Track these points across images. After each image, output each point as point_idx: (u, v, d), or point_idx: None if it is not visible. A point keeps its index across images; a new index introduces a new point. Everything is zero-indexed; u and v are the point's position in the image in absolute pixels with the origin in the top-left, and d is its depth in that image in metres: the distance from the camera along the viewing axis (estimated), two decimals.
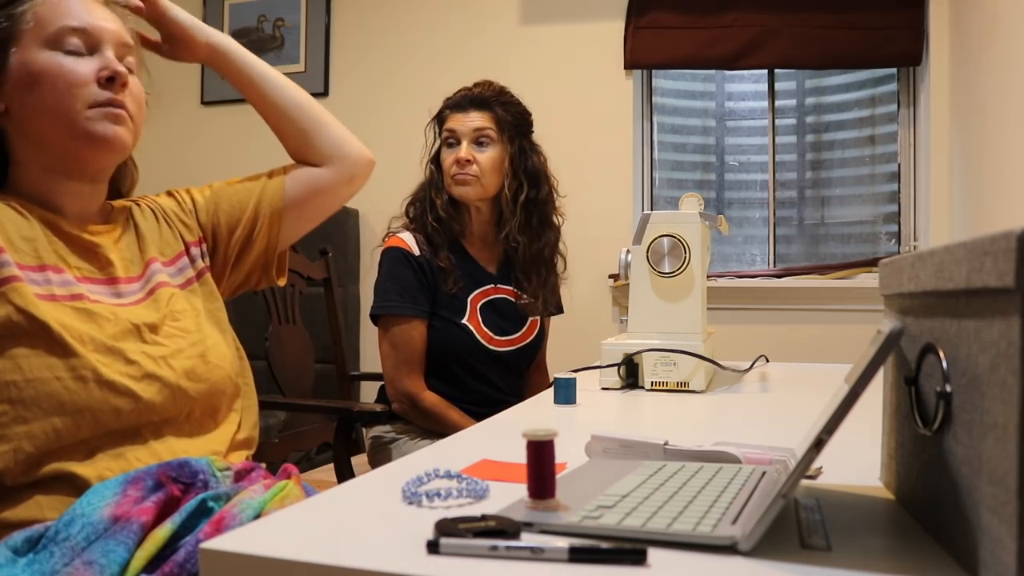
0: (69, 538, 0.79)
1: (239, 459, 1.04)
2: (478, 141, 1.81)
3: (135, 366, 0.94)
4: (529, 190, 1.83)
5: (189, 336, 1.03)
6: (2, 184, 1.02)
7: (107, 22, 1.02)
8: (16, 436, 0.87)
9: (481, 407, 1.77)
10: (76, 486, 0.87)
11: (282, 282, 1.28)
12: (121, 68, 1.00)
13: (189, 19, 1.20)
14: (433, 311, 1.78)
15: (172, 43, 1.19)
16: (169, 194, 1.20)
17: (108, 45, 1.01)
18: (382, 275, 1.79)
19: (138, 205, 1.14)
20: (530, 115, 1.90)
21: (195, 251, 1.15)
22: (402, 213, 1.89)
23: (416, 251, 1.77)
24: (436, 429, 1.73)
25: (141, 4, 1.13)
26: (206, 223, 1.18)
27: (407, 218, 1.87)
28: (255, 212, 1.20)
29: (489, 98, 1.83)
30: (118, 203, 1.13)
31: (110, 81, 0.99)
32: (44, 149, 0.99)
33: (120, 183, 1.17)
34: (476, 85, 1.86)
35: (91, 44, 1.00)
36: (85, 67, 0.98)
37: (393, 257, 1.78)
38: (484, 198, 1.82)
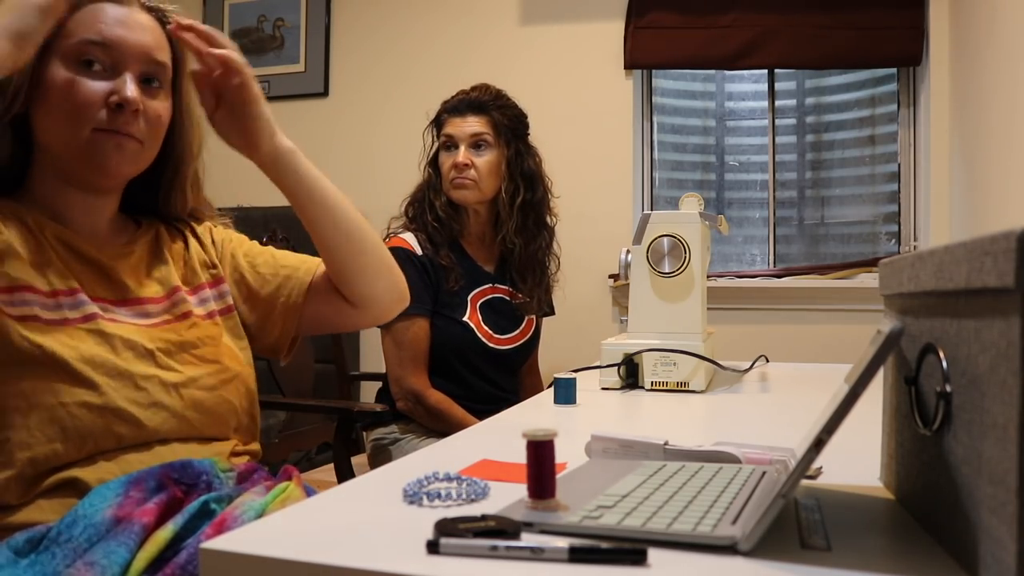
0: (71, 539, 0.79)
1: (241, 461, 1.03)
2: (475, 145, 1.82)
3: (143, 392, 0.93)
4: (525, 192, 1.85)
5: (206, 367, 1.01)
6: (20, 183, 1.01)
7: (136, 35, 0.96)
8: (19, 462, 0.87)
9: (482, 404, 1.78)
10: (78, 489, 0.87)
11: (284, 362, 1.21)
12: (131, 95, 0.94)
13: (266, 115, 1.04)
14: (435, 309, 1.79)
15: (232, 127, 1.04)
16: (200, 227, 1.14)
17: (130, 64, 0.96)
18: None
19: (170, 229, 1.11)
20: (526, 117, 1.91)
21: (223, 287, 1.11)
22: (401, 213, 1.90)
23: (418, 250, 1.79)
24: (440, 427, 1.74)
25: (201, 48, 0.98)
26: (229, 279, 1.13)
27: (407, 218, 1.89)
28: (271, 302, 1.14)
29: (486, 102, 1.84)
30: (147, 223, 1.09)
31: (119, 107, 0.94)
32: (53, 160, 0.98)
33: (167, 206, 1.10)
34: (473, 89, 1.87)
35: (112, 61, 0.95)
36: (98, 88, 0.94)
37: (396, 257, 1.78)
38: (482, 201, 1.84)
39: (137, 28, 0.97)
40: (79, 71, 0.94)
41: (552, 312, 2.04)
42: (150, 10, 1.01)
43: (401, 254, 1.78)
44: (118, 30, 0.95)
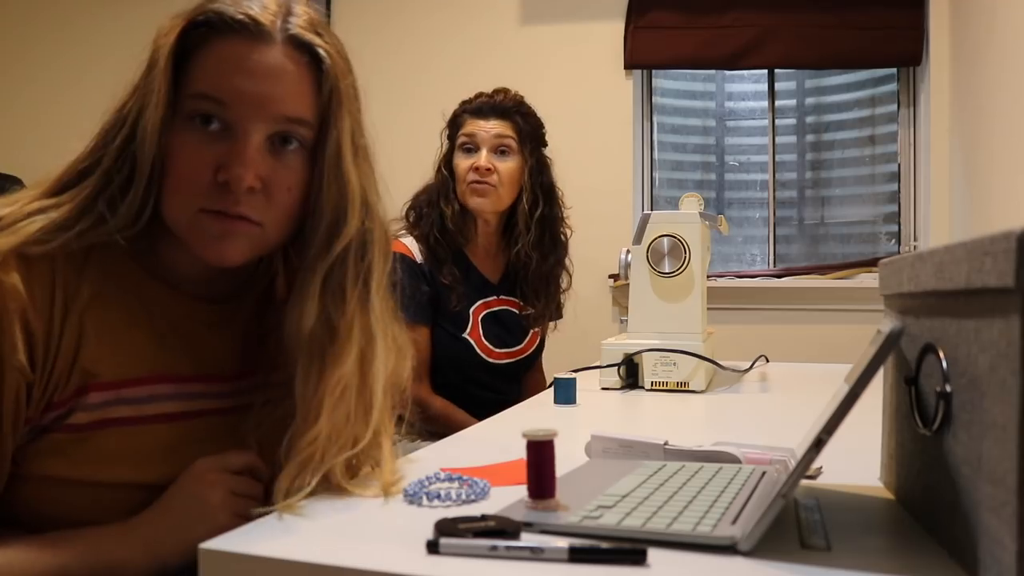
0: None
1: None
2: (499, 150, 1.74)
3: (172, 471, 0.76)
4: (544, 206, 1.77)
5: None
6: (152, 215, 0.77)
7: (268, 84, 0.73)
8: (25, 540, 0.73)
9: (481, 409, 1.77)
10: None
11: None
12: (243, 171, 0.71)
13: None
14: (435, 321, 1.75)
15: None
16: None
17: (255, 122, 0.73)
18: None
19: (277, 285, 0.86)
20: (544, 128, 1.83)
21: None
22: (401, 217, 1.84)
23: (419, 258, 1.73)
24: (443, 431, 1.72)
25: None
26: None
27: (407, 222, 1.82)
28: None
29: (510, 107, 1.76)
30: (265, 265, 0.87)
31: (227, 184, 0.72)
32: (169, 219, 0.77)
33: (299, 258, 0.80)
34: (496, 92, 1.79)
35: (232, 117, 0.73)
36: (206, 157, 0.72)
37: (396, 262, 1.74)
38: (497, 211, 1.77)
39: (270, 74, 0.73)
40: (192, 131, 0.73)
41: (560, 316, 2.01)
42: (300, 46, 0.75)
43: (400, 259, 1.74)
44: (240, 80, 0.72)
